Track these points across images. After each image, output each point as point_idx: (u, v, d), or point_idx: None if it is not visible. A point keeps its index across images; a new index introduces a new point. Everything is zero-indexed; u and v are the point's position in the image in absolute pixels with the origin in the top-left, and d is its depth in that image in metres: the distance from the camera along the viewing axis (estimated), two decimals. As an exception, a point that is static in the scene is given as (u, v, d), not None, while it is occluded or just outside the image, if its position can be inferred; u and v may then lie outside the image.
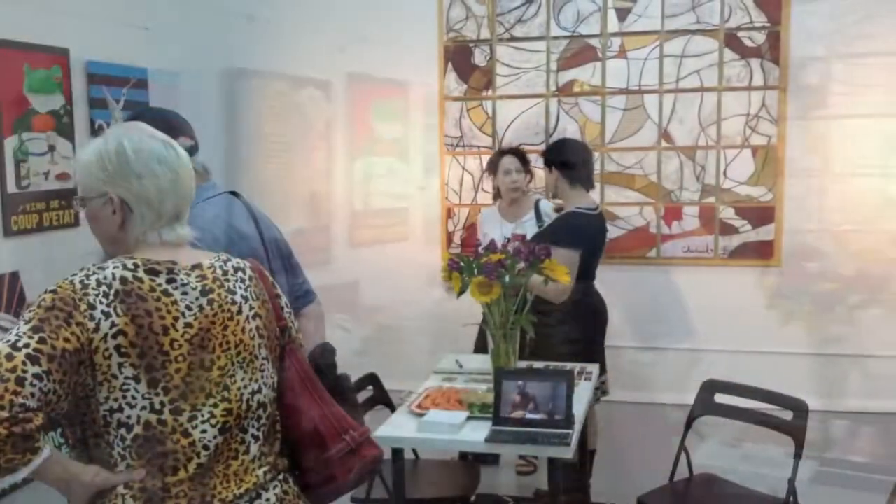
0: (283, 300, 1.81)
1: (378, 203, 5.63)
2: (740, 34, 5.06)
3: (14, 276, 4.23)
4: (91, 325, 1.47)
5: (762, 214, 5.13)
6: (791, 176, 5.08)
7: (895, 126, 4.94)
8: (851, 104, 4.98)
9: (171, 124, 2.27)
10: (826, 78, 4.99)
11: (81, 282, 1.51)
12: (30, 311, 1.47)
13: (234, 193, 2.36)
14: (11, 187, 4.23)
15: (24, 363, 1.37)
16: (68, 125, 4.62)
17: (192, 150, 2.26)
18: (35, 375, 1.38)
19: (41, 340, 1.40)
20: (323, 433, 1.73)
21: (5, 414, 1.33)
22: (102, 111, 4.90)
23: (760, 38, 5.04)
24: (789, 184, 5.08)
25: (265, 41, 5.67)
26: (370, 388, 3.33)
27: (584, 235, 3.53)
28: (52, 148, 4.50)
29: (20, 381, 1.36)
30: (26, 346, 1.39)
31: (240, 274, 1.68)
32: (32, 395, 1.37)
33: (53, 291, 1.49)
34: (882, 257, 5.02)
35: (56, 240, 4.51)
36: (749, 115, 5.09)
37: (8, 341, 1.40)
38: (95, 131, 4.80)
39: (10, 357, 1.37)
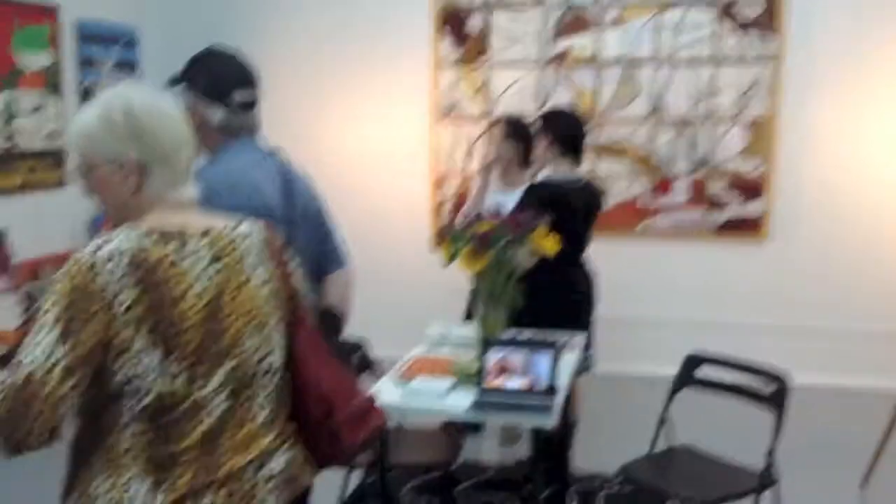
0: (293, 265, 1.78)
1: (365, 169, 5.61)
2: (737, 6, 5.03)
3: (1, 234, 4.22)
4: (106, 302, 1.44)
5: (752, 189, 5.14)
6: (783, 151, 5.09)
7: (889, 104, 4.95)
8: (847, 80, 4.98)
9: (243, 74, 2.24)
10: (821, 52, 4.98)
11: (90, 258, 1.46)
12: (50, 307, 1.43)
13: (274, 151, 2.33)
14: (-1, 145, 4.21)
15: (59, 383, 1.38)
16: (57, 84, 4.59)
17: (252, 105, 2.26)
18: (72, 387, 1.39)
19: (72, 347, 1.39)
20: (331, 399, 1.72)
21: (37, 441, 1.37)
22: (92, 70, 4.86)
23: (757, 10, 5.01)
24: (780, 159, 5.09)
25: (252, 12, 5.62)
26: (357, 354, 3.35)
27: (555, 201, 3.52)
28: (40, 106, 4.47)
29: (55, 407, 1.37)
30: (58, 361, 1.38)
31: (249, 239, 1.65)
32: (69, 409, 1.40)
33: (66, 278, 1.45)
34: (870, 233, 5.04)
35: (44, 199, 4.50)
36: (743, 89, 5.08)
37: (38, 358, 1.37)
38: (85, 90, 4.76)
39: (43, 383, 1.36)
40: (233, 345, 1.56)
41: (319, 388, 1.72)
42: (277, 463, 1.64)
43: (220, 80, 2.21)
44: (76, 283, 1.44)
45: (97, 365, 1.45)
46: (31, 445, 1.38)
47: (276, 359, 1.66)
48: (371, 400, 1.80)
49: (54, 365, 1.38)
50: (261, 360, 1.62)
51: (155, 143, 1.57)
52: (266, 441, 1.63)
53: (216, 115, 2.21)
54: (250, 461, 1.59)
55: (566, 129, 3.71)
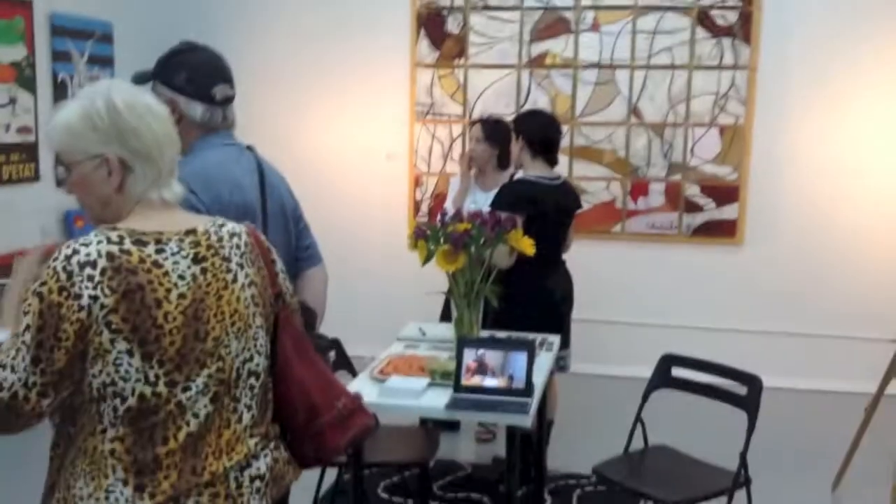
0: (279, 265, 1.74)
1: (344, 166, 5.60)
2: (713, 12, 5.08)
3: (-28, 229, 4.16)
4: (82, 314, 1.43)
5: (726, 193, 5.19)
6: (756, 156, 5.14)
7: (860, 111, 5.02)
8: (820, 88, 5.04)
9: (222, 70, 2.23)
10: (795, 60, 5.04)
11: (65, 269, 1.43)
12: (27, 324, 1.43)
13: (249, 148, 2.32)
14: (-30, 139, 4.15)
15: (38, 401, 1.43)
16: (30, 78, 4.53)
17: (230, 100, 2.24)
18: (48, 404, 1.45)
19: (45, 370, 1.42)
20: (315, 401, 1.70)
21: (22, 431, 1.47)
22: (66, 64, 4.80)
23: (733, 17, 5.07)
24: (754, 164, 5.14)
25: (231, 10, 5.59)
26: (332, 353, 3.33)
27: (526, 201, 3.53)
28: (13, 100, 4.41)
29: (40, 417, 1.46)
30: (35, 383, 1.42)
31: (235, 240, 1.62)
32: (48, 413, 1.47)
33: (39, 297, 1.43)
34: (844, 238, 5.11)
35: (17, 194, 4.44)
36: (718, 94, 5.13)
37: (20, 377, 1.42)
38: (59, 84, 4.71)
39: (27, 399, 1.42)
40: (216, 347, 1.54)
41: (304, 389, 1.70)
42: (262, 464, 1.62)
43: (199, 76, 2.19)
44: (50, 300, 1.42)
45: (79, 372, 1.46)
46: (15, 433, 1.47)
47: (261, 361, 1.64)
48: (357, 400, 1.77)
49: (32, 386, 1.42)
50: (245, 363, 1.60)
51: (138, 141, 1.54)
52: (251, 443, 1.61)
53: (197, 110, 2.19)
54: (235, 463, 1.57)
55: (540, 131, 3.72)
